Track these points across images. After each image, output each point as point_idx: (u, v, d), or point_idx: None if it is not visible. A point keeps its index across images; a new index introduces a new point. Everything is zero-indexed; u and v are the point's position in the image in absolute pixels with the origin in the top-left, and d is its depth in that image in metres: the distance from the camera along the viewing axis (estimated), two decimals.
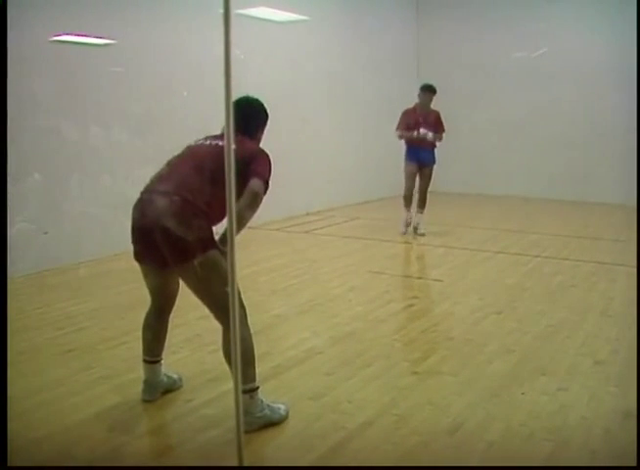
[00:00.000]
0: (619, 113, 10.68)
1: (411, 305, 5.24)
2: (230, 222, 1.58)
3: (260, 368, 3.22)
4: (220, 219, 3.11)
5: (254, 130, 3.41)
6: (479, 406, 3.42)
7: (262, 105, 3.46)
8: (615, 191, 10.74)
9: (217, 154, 2.90)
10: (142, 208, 3.13)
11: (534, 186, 11.51)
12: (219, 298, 2.95)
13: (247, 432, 2.97)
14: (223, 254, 2.97)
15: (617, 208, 10.27)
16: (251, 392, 3.11)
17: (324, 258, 7.11)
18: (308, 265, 6.69)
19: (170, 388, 3.57)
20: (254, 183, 3.06)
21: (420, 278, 6.23)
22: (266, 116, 3.48)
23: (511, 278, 6.15)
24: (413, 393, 3.60)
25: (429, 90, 7.98)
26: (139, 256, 3.23)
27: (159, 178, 3.22)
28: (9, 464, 2.55)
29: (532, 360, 4.06)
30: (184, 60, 7.46)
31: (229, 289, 1.67)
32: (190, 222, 3.00)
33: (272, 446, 3.09)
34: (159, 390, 3.50)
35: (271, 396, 3.32)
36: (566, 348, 4.28)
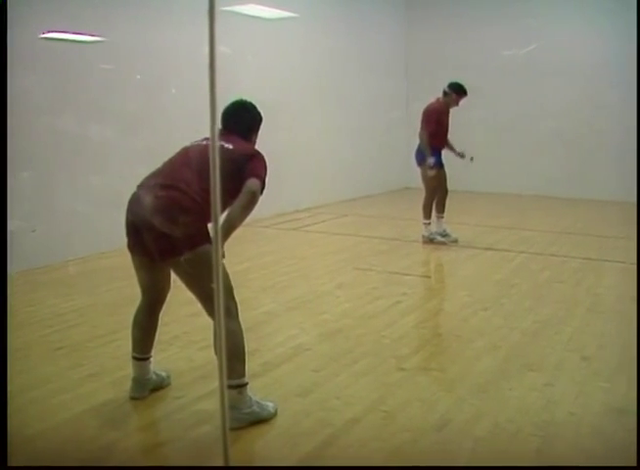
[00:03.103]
0: (613, 109, 10.71)
1: (399, 302, 5.25)
2: (215, 220, 1.59)
3: (249, 365, 3.23)
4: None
5: (249, 132, 3.44)
6: (466, 402, 3.44)
7: (256, 108, 3.50)
8: (608, 188, 10.77)
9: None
10: (134, 202, 3.18)
11: (527, 183, 11.52)
12: (210, 293, 2.94)
13: (234, 428, 2.99)
14: None
15: (609, 204, 10.33)
16: (240, 387, 3.12)
17: (313, 256, 7.12)
18: (297, 262, 6.69)
19: (159, 386, 3.57)
20: (252, 183, 3.08)
21: (408, 275, 6.24)
22: (260, 118, 3.51)
23: (498, 274, 6.18)
24: (401, 389, 3.62)
25: (465, 93, 7.24)
26: (131, 247, 3.26)
27: (154, 174, 3.26)
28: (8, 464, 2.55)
29: (520, 356, 4.09)
30: (175, 57, 7.43)
31: (214, 285, 1.68)
32: (177, 219, 3.01)
33: (260, 443, 3.10)
34: (147, 387, 3.50)
35: (260, 393, 3.33)
36: (553, 343, 4.31)
